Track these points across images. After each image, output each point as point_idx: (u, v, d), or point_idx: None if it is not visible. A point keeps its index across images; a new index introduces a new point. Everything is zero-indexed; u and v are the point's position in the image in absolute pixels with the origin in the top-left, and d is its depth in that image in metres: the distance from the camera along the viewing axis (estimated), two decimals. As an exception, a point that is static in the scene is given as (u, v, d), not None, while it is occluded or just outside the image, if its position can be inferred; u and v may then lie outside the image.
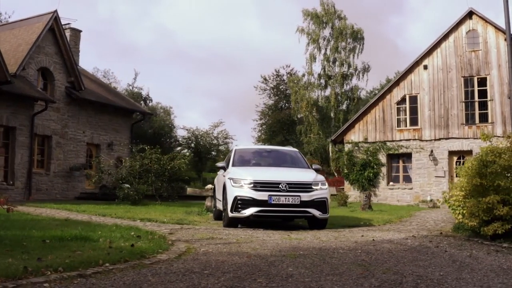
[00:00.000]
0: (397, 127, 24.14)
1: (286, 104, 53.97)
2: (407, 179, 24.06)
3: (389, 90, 24.41)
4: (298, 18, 77.19)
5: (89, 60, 76.22)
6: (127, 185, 17.42)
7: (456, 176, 18.37)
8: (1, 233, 7.29)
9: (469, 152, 21.46)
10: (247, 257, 6.29)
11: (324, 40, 40.60)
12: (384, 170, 24.30)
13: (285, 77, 53.61)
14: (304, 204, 9.75)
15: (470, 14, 22.55)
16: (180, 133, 43.44)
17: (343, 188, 25.97)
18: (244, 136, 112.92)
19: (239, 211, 9.77)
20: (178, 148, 39.62)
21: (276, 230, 9.69)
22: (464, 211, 8.52)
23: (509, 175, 8.07)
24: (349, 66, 40.38)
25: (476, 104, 22.43)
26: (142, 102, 45.16)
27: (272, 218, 11.35)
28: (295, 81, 42.36)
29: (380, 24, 78.27)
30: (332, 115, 41.27)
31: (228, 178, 10.17)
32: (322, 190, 10.04)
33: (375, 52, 69.69)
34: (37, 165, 20.29)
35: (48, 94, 20.60)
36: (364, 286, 4.73)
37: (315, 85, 41.30)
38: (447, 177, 22.36)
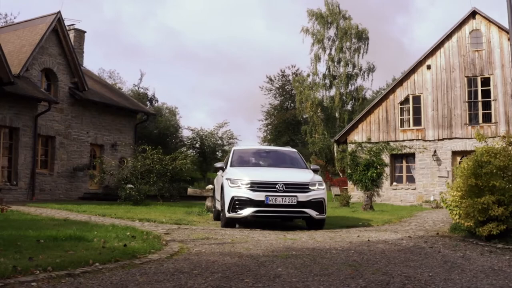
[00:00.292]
0: (401, 127, 24.09)
1: (292, 104, 54.00)
2: (411, 179, 24.00)
3: (392, 90, 24.36)
4: (304, 18, 77.20)
5: (95, 60, 76.64)
6: (130, 185, 17.49)
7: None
8: (-3, 233, 7.36)
9: (473, 152, 21.36)
10: (238, 257, 6.31)
11: (329, 40, 40.63)
12: (387, 170, 24.26)
13: (290, 77, 53.63)
14: (301, 204, 9.76)
15: (473, 14, 22.48)
16: (186, 133, 43.49)
17: (347, 188, 25.97)
18: (250, 136, 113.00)
19: (236, 212, 9.80)
20: (184, 149, 39.67)
21: (272, 230, 9.71)
22: (461, 212, 8.50)
23: (504, 175, 8.05)
24: (354, 66, 40.38)
25: (480, 104, 22.34)
26: (148, 102, 45.25)
27: (272, 219, 11.37)
28: (300, 81, 42.36)
29: (386, 24, 78.11)
30: (337, 115, 41.27)
31: (226, 179, 10.21)
32: (319, 191, 10.05)
33: (381, 52, 69.58)
34: (41, 166, 20.43)
35: (52, 94, 20.74)
36: (351, 286, 4.75)
37: (319, 85, 41.31)
38: (451, 177, 22.28)
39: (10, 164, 18.56)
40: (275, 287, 4.70)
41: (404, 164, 24.29)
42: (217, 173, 12.35)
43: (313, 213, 9.88)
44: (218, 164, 11.42)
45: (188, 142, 39.29)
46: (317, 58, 40.55)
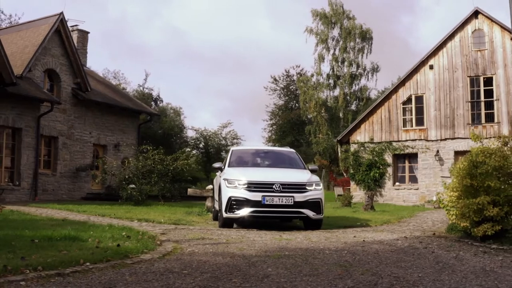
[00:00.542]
0: (403, 127, 24.05)
1: (296, 105, 54.00)
2: (413, 179, 23.96)
3: (395, 90, 24.33)
4: (309, 18, 76.95)
5: (100, 61, 76.89)
6: (133, 186, 17.54)
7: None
8: (-7, 233, 7.42)
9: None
10: (230, 257, 6.34)
11: (332, 40, 40.64)
12: (390, 170, 24.23)
13: (295, 77, 53.61)
14: (298, 204, 9.77)
15: (476, 14, 22.41)
16: (190, 133, 43.60)
17: (350, 189, 25.96)
18: (255, 136, 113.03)
19: (233, 212, 9.83)
20: (188, 149, 39.74)
21: (269, 231, 9.73)
22: (457, 212, 8.49)
23: (500, 175, 8.02)
24: (358, 66, 40.34)
25: (482, 104, 22.27)
26: (152, 102, 45.36)
27: (270, 219, 11.38)
28: (304, 81, 42.37)
29: (391, 24, 77.90)
30: (341, 115, 41.24)
31: (223, 179, 10.25)
32: (317, 191, 10.06)
33: (387, 52, 69.40)
34: (44, 166, 20.52)
35: (55, 95, 20.84)
36: (338, 287, 4.76)
37: (323, 85, 41.31)
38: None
39: (12, 165, 18.67)
40: (262, 287, 4.73)
41: (407, 164, 24.25)
42: (216, 173, 12.39)
43: (310, 213, 9.89)
44: (216, 165, 11.45)
45: (191, 143, 39.37)
46: (321, 58, 40.57)
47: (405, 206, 21.61)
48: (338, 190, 28.20)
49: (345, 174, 35.12)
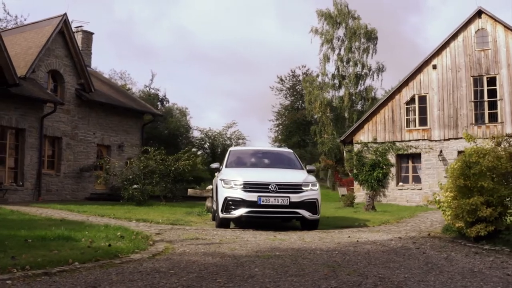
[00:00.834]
0: (406, 127, 24.00)
1: (302, 105, 53.99)
2: (417, 179, 23.89)
3: (398, 90, 24.28)
4: (315, 18, 76.63)
5: (107, 61, 77.23)
6: (136, 186, 17.60)
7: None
8: (-12, 233, 7.51)
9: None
10: (220, 257, 6.38)
11: (338, 40, 40.56)
12: (393, 170, 24.17)
13: (301, 78, 53.59)
14: (294, 205, 9.79)
15: (479, 13, 22.32)
16: (196, 134, 43.71)
17: (353, 189, 25.94)
18: (262, 136, 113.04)
19: (229, 212, 9.88)
20: (194, 149, 39.84)
21: (265, 231, 9.76)
22: (451, 212, 8.48)
23: (494, 176, 8.01)
24: (363, 66, 40.25)
25: (486, 104, 22.18)
26: (159, 103, 45.47)
27: (269, 219, 11.39)
28: (310, 82, 42.34)
29: (399, 24, 77.64)
30: (346, 115, 41.18)
31: (220, 179, 10.30)
32: (313, 191, 10.07)
33: (395, 52, 69.19)
34: (48, 166, 20.66)
35: (58, 96, 20.98)
36: (321, 287, 4.79)
37: (329, 85, 41.27)
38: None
39: (16, 165, 18.82)
40: (245, 287, 4.76)
41: (410, 164, 24.19)
42: (215, 174, 12.44)
43: (305, 213, 9.91)
44: (214, 165, 11.50)
45: (197, 143, 39.46)
46: (326, 58, 40.51)
47: (408, 206, 21.55)
48: (342, 190, 28.19)
49: (350, 174, 35.12)
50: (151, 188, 17.57)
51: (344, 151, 27.88)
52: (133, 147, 23.64)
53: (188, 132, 42.51)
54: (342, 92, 41.24)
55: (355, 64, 40.21)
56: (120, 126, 24.07)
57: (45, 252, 6.08)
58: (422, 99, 23.63)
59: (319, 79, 42.05)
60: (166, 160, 18.14)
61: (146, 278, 5.00)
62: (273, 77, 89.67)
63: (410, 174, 24.19)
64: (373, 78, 40.92)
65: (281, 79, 56.46)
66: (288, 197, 9.77)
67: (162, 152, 18.26)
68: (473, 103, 22.39)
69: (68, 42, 21.32)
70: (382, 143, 24.44)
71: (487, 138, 8.84)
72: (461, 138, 22.41)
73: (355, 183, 25.62)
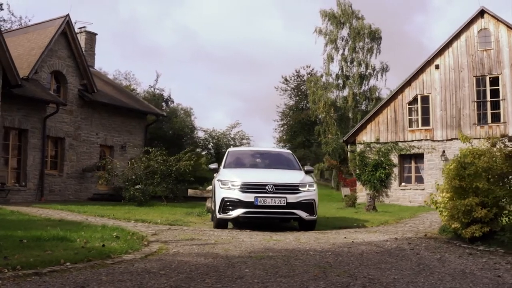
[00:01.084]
0: (409, 127, 23.96)
1: (307, 105, 53.99)
2: (419, 179, 23.85)
3: (401, 90, 24.24)
4: (319, 18, 76.42)
5: (111, 62, 77.42)
6: (139, 186, 17.64)
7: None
8: (-15, 233, 7.57)
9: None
10: (212, 258, 6.40)
11: (342, 40, 40.51)
12: (396, 170, 24.14)
13: (305, 78, 53.58)
14: (291, 205, 9.81)
15: (481, 13, 22.25)
16: (201, 134, 43.80)
17: (356, 189, 25.92)
18: (267, 136, 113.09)
19: (226, 213, 9.91)
20: (198, 150, 39.90)
21: (262, 231, 9.78)
22: (447, 213, 8.47)
23: (490, 177, 7.99)
24: (367, 66, 40.19)
25: (488, 104, 22.11)
26: (163, 103, 45.56)
27: (268, 220, 11.39)
28: (314, 82, 42.31)
29: (404, 23, 77.42)
30: (350, 115, 41.13)
31: (217, 180, 10.35)
32: (310, 192, 10.08)
33: (400, 52, 69.00)
34: (51, 167, 20.76)
35: (61, 97, 21.09)
36: (308, 288, 4.81)
37: (333, 85, 41.24)
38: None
39: (19, 165, 18.94)
40: (233, 287, 4.79)
41: (413, 165, 24.15)
42: (214, 174, 12.47)
43: (302, 214, 9.92)
44: (212, 166, 11.53)
45: (200, 143, 39.53)
46: (330, 59, 40.47)
47: (410, 206, 21.50)
48: (345, 191, 28.16)
49: (354, 174, 35.08)
50: (153, 189, 17.62)
51: (348, 152, 27.88)
52: (136, 148, 23.70)
53: (192, 132, 42.59)
54: (346, 92, 41.20)
55: (359, 64, 40.15)
56: (123, 127, 24.16)
57: (39, 253, 6.13)
58: (425, 99, 23.57)
59: (323, 79, 42.05)
60: (167, 160, 18.19)
61: (136, 279, 5.04)
62: (278, 77, 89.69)
63: (413, 175, 24.14)
64: (377, 78, 40.88)
65: (286, 79, 56.47)
66: (285, 197, 9.78)
67: (163, 152, 18.31)
68: (475, 103, 22.32)
69: (70, 43, 21.42)
70: (385, 143, 24.41)
71: (490, 138, 8.77)
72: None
73: (358, 184, 25.61)
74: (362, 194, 24.12)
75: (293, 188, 9.96)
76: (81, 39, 25.38)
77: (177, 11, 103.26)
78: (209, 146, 39.21)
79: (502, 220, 8.10)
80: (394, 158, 24.18)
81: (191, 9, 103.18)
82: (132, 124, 24.72)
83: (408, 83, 24.06)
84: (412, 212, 16.69)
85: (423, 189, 23.28)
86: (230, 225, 11.02)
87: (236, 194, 9.83)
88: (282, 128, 58.19)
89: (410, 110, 24.02)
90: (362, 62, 40.06)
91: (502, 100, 21.72)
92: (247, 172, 10.67)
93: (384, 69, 40.83)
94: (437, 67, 23.20)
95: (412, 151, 23.79)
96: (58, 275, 5.09)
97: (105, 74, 39.47)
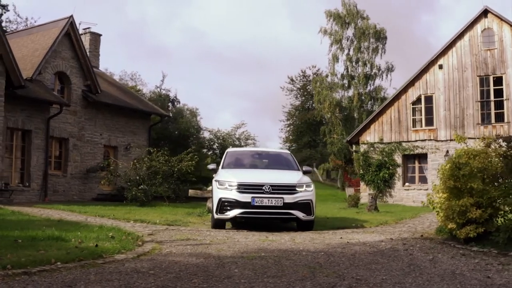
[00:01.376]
0: (413, 127, 23.89)
1: (313, 105, 53.96)
2: (423, 179, 23.76)
3: (404, 90, 24.17)
4: (324, 18, 76.23)
5: (118, 62, 77.74)
6: (143, 186, 17.65)
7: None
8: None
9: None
10: (204, 258, 6.44)
11: (347, 40, 40.47)
12: (399, 170, 24.08)
13: (311, 78, 53.56)
14: (287, 206, 9.82)
15: (485, 13, 22.14)
16: (206, 134, 43.87)
17: (359, 189, 25.88)
18: (274, 137, 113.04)
19: (223, 213, 9.95)
20: (204, 150, 39.95)
21: (258, 232, 9.81)
22: (443, 213, 8.45)
23: (485, 177, 7.96)
24: (372, 66, 40.12)
25: (492, 104, 22.00)
26: (170, 103, 45.64)
27: (266, 220, 11.40)
28: (320, 82, 42.30)
29: (411, 23, 77.23)
30: (355, 115, 41.06)
31: (215, 180, 10.39)
32: (307, 192, 10.09)
33: (407, 51, 68.81)
34: (55, 167, 20.87)
35: (65, 97, 21.20)
36: (294, 289, 4.83)
37: (338, 85, 41.21)
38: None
39: (23, 166, 19.07)
40: (219, 287, 4.82)
41: (417, 165, 24.07)
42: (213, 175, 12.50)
43: (300, 214, 9.93)
44: (211, 166, 11.57)
45: (206, 143, 39.58)
46: (335, 59, 40.44)
47: (414, 206, 21.42)
48: (349, 191, 28.11)
49: (357, 174, 35.01)
50: (155, 189, 17.68)
51: (354, 152, 27.84)
52: (140, 148, 23.78)
53: (198, 132, 42.67)
54: (351, 92, 41.16)
55: (364, 64, 40.09)
56: (127, 127, 24.24)
57: (32, 252, 6.19)
58: (428, 99, 23.49)
59: (328, 79, 42.02)
60: (169, 160, 18.25)
61: (124, 278, 5.08)
62: (285, 77, 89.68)
63: (417, 175, 24.07)
64: (382, 78, 40.81)
65: (292, 80, 56.51)
66: (282, 198, 9.80)
67: (165, 153, 18.37)
68: (479, 103, 22.22)
69: (74, 44, 21.53)
70: (389, 143, 24.36)
71: (485, 138, 8.74)
72: (467, 138, 22.17)
73: (361, 184, 25.58)
74: (365, 194, 24.07)
75: (290, 189, 9.98)
76: (86, 40, 25.51)
77: (185, 11, 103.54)
78: (214, 146, 39.24)
79: (498, 221, 8.07)
80: (398, 158, 24.12)
81: (199, 10, 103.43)
82: (136, 124, 24.81)
83: (411, 83, 23.99)
84: (414, 213, 16.62)
85: (426, 189, 23.14)
86: (229, 225, 11.08)
87: (233, 195, 9.87)
88: (288, 128, 58.26)
89: (413, 110, 23.95)
90: (367, 62, 40.00)
91: (506, 100, 21.60)
92: (244, 173, 10.72)
93: (390, 69, 40.77)
94: (440, 67, 23.11)
95: (416, 151, 23.72)
96: (48, 275, 5.14)
97: (111, 74, 39.68)
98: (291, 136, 58.16)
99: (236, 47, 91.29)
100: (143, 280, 5.00)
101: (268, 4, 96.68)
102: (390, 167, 24.20)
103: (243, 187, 9.88)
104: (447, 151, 22.69)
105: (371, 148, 24.90)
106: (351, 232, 10.14)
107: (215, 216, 10.07)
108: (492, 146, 8.17)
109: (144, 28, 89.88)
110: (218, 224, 10.25)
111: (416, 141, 23.71)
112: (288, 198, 9.85)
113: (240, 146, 39.12)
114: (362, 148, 25.27)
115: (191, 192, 14.88)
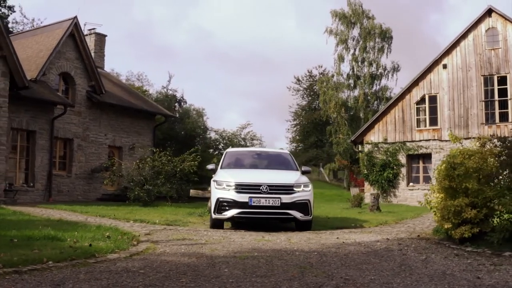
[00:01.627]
0: (417, 127, 23.81)
1: (319, 105, 53.91)
2: (428, 179, 23.67)
3: (409, 90, 24.09)
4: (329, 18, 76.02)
5: (125, 62, 78.05)
6: (148, 187, 17.68)
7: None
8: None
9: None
10: (196, 257, 6.48)
11: (352, 40, 40.39)
12: (403, 170, 24.02)
13: (317, 78, 53.50)
14: (285, 206, 9.85)
15: (489, 12, 22.01)
16: (213, 135, 43.95)
17: (364, 189, 25.84)
18: (281, 137, 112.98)
19: (221, 213, 10.00)
20: (210, 150, 40.03)
21: (256, 231, 9.84)
22: (440, 214, 8.44)
23: (481, 177, 7.94)
24: (378, 66, 40.02)
25: (496, 103, 21.88)
26: (176, 104, 45.75)
27: (264, 220, 11.42)
28: (325, 82, 42.26)
29: (419, 22, 76.93)
30: (361, 115, 40.98)
31: (213, 181, 10.45)
32: (305, 192, 10.11)
33: (414, 50, 68.54)
34: (59, 168, 21.00)
35: (70, 98, 21.33)
36: (281, 288, 4.85)
37: (344, 85, 41.15)
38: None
39: (27, 166, 19.21)
40: (206, 286, 4.85)
41: (421, 165, 24.00)
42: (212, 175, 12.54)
43: (297, 214, 9.95)
44: (210, 166, 11.60)
45: (211, 144, 39.66)
46: (341, 59, 40.36)
47: (417, 207, 21.16)
48: (354, 191, 28.07)
49: (361, 174, 34.90)
50: (157, 189, 17.74)
51: (359, 152, 27.80)
52: (144, 149, 23.85)
53: (205, 133, 42.75)
54: (357, 92, 41.07)
55: (370, 64, 39.99)
56: (131, 128, 24.35)
57: (26, 251, 6.26)
58: (433, 99, 23.41)
59: (334, 79, 41.97)
60: (172, 161, 18.31)
61: (113, 277, 5.13)
62: (292, 77, 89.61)
63: (421, 175, 24.00)
64: (388, 78, 40.70)
65: (298, 80, 56.47)
66: (279, 198, 9.83)
67: (167, 153, 18.43)
68: (483, 103, 22.10)
69: (78, 44, 21.65)
70: (393, 143, 24.29)
71: (480, 138, 8.73)
72: (472, 138, 22.10)
73: (366, 184, 25.54)
74: (369, 194, 24.04)
75: (287, 189, 10.00)
76: (91, 40, 25.65)
77: (192, 11, 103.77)
78: (220, 146, 39.31)
79: (494, 221, 8.05)
80: (402, 158, 24.06)
81: (206, 10, 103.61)
82: (141, 125, 24.91)
83: (415, 82, 23.91)
84: (416, 213, 16.61)
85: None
86: (228, 225, 11.12)
87: (230, 195, 9.91)
88: (295, 128, 58.22)
89: (417, 110, 23.87)
90: (373, 62, 39.90)
91: (510, 99, 21.47)
92: (242, 173, 10.76)
93: (395, 69, 40.64)
94: (444, 66, 23.02)
95: (420, 151, 23.64)
96: (38, 274, 5.20)
97: (118, 75, 39.84)
98: (298, 136, 58.11)
99: (243, 47, 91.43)
100: (131, 279, 5.05)
101: (275, 4, 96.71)
102: (394, 167, 24.14)
103: (241, 187, 9.92)
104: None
105: (375, 148, 24.85)
106: (348, 232, 10.15)
107: (213, 216, 10.12)
108: (487, 146, 8.14)
109: (151, 28, 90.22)
110: (217, 224, 10.29)
111: (420, 141, 23.64)
112: (286, 198, 9.87)
113: (246, 146, 39.19)
114: (366, 148, 25.23)
115: (192, 192, 14.95)
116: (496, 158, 7.78)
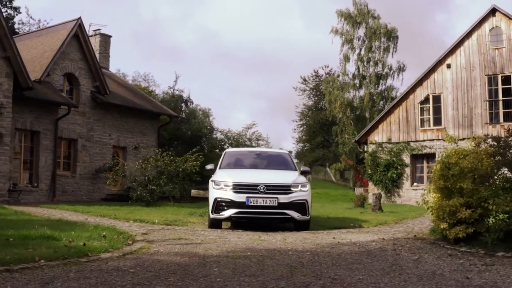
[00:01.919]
0: (421, 127, 23.76)
1: (325, 105, 53.85)
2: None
3: (412, 90, 24.04)
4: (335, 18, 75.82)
5: (132, 63, 78.34)
6: (153, 187, 17.74)
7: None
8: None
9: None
10: (188, 257, 6.52)
11: (358, 40, 40.34)
12: (408, 170, 23.97)
13: (324, 78, 53.44)
14: (282, 205, 9.87)
15: (493, 11, 21.92)
16: (219, 135, 44.02)
17: (368, 189, 25.81)
18: (288, 137, 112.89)
19: (219, 213, 10.04)
20: (216, 151, 40.08)
21: (253, 231, 9.86)
22: (435, 214, 8.43)
23: (476, 177, 7.93)
24: (383, 65, 39.94)
25: (500, 103, 21.77)
26: (183, 104, 45.85)
27: (263, 220, 11.43)
28: (331, 82, 42.24)
29: (425, 22, 76.65)
30: (367, 115, 40.91)
31: (211, 181, 10.49)
32: (302, 192, 10.12)
33: (421, 50, 68.29)
34: (63, 168, 21.14)
35: (74, 98, 21.47)
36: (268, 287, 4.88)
37: (349, 85, 41.10)
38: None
39: (31, 166, 19.36)
40: (193, 285, 4.89)
41: (425, 164, 23.93)
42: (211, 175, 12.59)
43: (294, 214, 9.97)
44: (209, 166, 11.62)
45: (217, 144, 39.75)
46: (346, 58, 40.34)
47: (421, 207, 21.26)
48: (359, 191, 28.05)
49: (365, 174, 34.84)
50: (160, 189, 17.81)
51: (364, 152, 27.76)
52: (146, 149, 23.95)
53: (211, 133, 42.82)
54: (362, 92, 41.00)
55: (376, 64, 39.93)
56: (136, 128, 24.46)
57: (20, 250, 6.33)
58: (436, 99, 23.34)
59: (340, 79, 41.95)
60: (174, 161, 18.39)
61: (102, 276, 5.18)
62: (298, 77, 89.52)
63: (425, 175, 23.91)
64: (393, 78, 40.62)
65: (304, 80, 56.45)
66: (277, 198, 9.85)
67: (169, 153, 18.51)
68: (487, 102, 22.01)
69: (83, 45, 21.79)
70: (397, 143, 24.26)
71: (475, 138, 8.72)
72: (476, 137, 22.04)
73: (370, 184, 25.51)
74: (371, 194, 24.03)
75: (285, 189, 10.02)
76: (96, 41, 25.82)
77: (198, 11, 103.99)
78: (225, 146, 39.37)
79: (489, 221, 8.03)
80: (406, 158, 24.01)
81: (213, 10, 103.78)
82: (145, 125, 25.02)
83: (419, 82, 23.85)
84: (419, 213, 16.52)
85: (435, 190, 23.01)
86: (227, 225, 11.16)
87: (228, 195, 9.95)
88: (301, 128, 58.21)
89: (421, 109, 23.81)
90: (378, 61, 39.84)
91: (514, 99, 21.40)
92: (240, 173, 10.79)
93: (401, 69, 40.56)
94: (448, 66, 22.95)
95: (424, 151, 23.58)
96: (29, 272, 5.27)
97: (124, 75, 40.06)
98: (304, 136, 58.09)
99: (249, 47, 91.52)
100: (120, 278, 5.10)
101: (281, 4, 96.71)
102: (398, 167, 24.11)
103: (238, 187, 9.95)
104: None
105: (379, 148, 24.82)
106: (346, 232, 10.16)
107: (211, 216, 10.17)
108: (482, 146, 8.13)
109: (157, 28, 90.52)
110: (214, 224, 10.34)
111: (424, 140, 23.58)
112: (283, 198, 9.89)
113: (252, 146, 39.23)
114: (370, 148, 25.20)
115: (193, 192, 15.01)
116: (491, 158, 7.76)
